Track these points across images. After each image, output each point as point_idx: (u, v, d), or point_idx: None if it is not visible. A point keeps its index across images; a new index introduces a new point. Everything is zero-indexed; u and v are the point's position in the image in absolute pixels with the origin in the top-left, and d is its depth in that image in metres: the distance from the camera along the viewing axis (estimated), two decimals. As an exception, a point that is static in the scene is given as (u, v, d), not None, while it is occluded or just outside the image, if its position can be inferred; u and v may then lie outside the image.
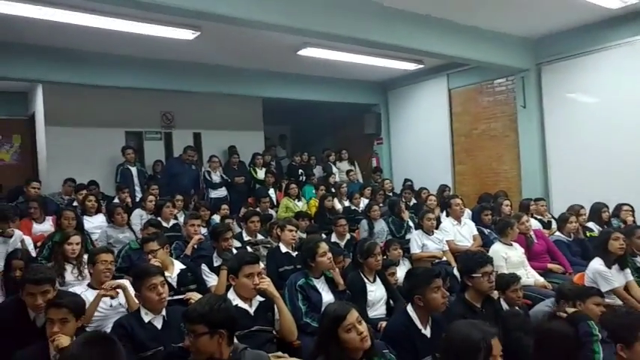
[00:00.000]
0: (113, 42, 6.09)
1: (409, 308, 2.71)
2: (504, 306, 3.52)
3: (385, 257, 4.98)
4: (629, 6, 5.69)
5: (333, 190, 7.82)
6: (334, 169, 8.97)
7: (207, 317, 2.04)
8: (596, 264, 3.85)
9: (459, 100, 8.50)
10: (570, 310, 2.73)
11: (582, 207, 5.74)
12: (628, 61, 6.29)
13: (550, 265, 4.75)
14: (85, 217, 5.46)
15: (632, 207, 5.71)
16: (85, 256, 3.79)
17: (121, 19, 5.17)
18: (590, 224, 5.68)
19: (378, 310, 3.60)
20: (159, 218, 5.34)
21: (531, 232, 5.01)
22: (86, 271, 3.70)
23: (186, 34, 5.80)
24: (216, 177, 7.68)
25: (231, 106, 8.89)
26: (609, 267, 3.81)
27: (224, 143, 8.91)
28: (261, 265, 4.33)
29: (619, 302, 3.76)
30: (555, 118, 7.12)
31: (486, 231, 5.60)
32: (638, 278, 4.08)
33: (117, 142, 7.81)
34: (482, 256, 3.10)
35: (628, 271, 3.90)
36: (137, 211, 5.86)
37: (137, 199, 6.62)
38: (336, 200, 7.26)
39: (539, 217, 6.28)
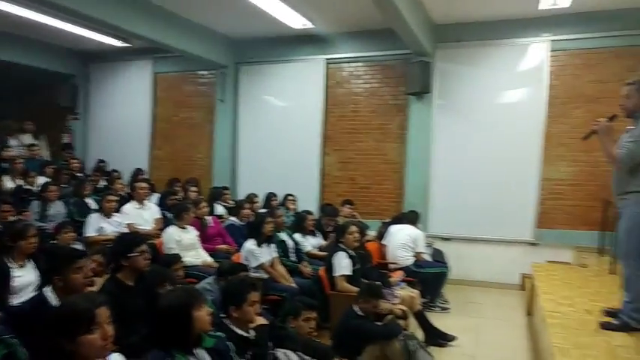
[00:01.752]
0: None
1: (47, 289, 2.62)
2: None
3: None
4: (307, 29, 6.84)
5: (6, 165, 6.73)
6: (12, 142, 7.73)
7: None
8: (249, 244, 4.53)
9: (164, 86, 8.57)
10: None
11: (256, 195, 6.65)
12: (305, 74, 7.56)
13: (219, 247, 5.28)
14: None
15: (294, 197, 6.95)
16: None
17: None
18: (263, 210, 6.62)
19: (25, 297, 3.32)
20: None
21: (207, 217, 5.49)
22: None
23: None
24: None
25: None
26: (260, 245, 4.54)
27: None
28: None
29: (265, 276, 4.53)
30: (248, 115, 7.98)
31: (169, 215, 5.83)
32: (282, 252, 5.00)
33: None
34: (137, 236, 3.25)
35: (274, 247, 4.73)
36: None
37: None
38: (7, 178, 6.29)
39: (224, 203, 6.94)
